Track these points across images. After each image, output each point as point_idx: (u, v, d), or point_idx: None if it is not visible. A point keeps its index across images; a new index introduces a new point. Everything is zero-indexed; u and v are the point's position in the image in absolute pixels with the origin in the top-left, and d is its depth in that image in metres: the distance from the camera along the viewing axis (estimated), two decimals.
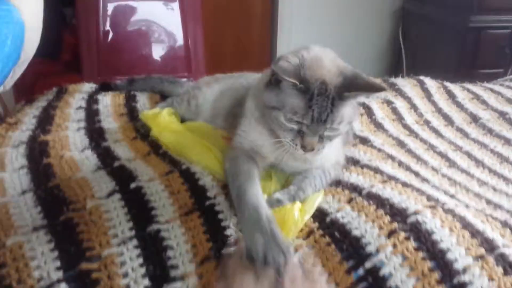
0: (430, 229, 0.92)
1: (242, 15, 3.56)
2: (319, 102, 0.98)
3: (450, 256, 0.87)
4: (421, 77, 2.03)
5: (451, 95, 1.92)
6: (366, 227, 0.94)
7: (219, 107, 1.41)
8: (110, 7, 2.58)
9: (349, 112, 1.03)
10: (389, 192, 1.06)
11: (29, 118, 1.49)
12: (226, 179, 1.07)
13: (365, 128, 1.55)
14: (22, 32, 1.40)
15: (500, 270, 0.85)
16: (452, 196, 1.17)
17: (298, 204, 1.01)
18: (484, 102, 1.88)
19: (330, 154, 1.16)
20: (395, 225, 0.94)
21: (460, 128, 1.68)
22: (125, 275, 0.87)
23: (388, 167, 1.24)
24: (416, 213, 0.96)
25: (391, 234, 0.92)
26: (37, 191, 1.05)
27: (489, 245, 0.90)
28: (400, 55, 3.69)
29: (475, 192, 1.24)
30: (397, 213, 0.97)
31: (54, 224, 0.94)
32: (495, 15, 2.94)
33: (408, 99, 1.83)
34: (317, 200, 1.05)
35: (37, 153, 1.24)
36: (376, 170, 1.20)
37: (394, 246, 0.89)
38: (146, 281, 0.87)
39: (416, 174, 1.27)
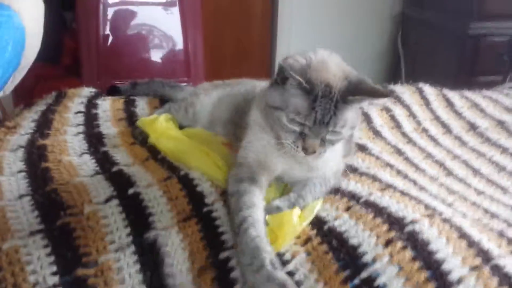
0: (427, 239, 0.92)
1: (242, 17, 3.57)
2: (323, 104, 0.98)
3: (445, 266, 0.87)
4: (420, 84, 2.03)
5: (449, 103, 1.93)
6: (364, 236, 0.95)
7: (218, 115, 1.41)
8: (110, 11, 2.58)
9: (352, 117, 1.03)
10: (387, 201, 1.06)
11: (27, 122, 1.49)
12: (228, 201, 1.05)
13: (364, 135, 1.55)
14: (22, 38, 1.40)
15: (495, 281, 0.85)
16: (449, 205, 1.17)
17: (297, 210, 1.01)
18: (482, 110, 1.89)
19: (332, 162, 1.16)
20: (392, 234, 0.94)
21: (458, 137, 1.68)
22: (122, 281, 0.87)
23: (386, 175, 1.24)
24: (413, 222, 0.96)
25: (388, 243, 0.92)
26: (35, 195, 1.05)
27: (485, 256, 0.90)
28: (399, 61, 3.69)
29: (472, 201, 1.24)
30: (395, 222, 0.97)
31: (51, 229, 0.94)
32: (495, 22, 2.94)
33: (406, 106, 1.83)
34: (316, 207, 1.05)
35: (35, 157, 1.24)
36: (374, 178, 1.20)
37: (391, 255, 0.89)
38: None
39: (414, 182, 1.27)
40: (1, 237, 0.92)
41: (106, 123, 1.53)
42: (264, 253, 0.89)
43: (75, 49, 2.69)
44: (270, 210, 1.03)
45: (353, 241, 0.94)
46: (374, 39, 3.78)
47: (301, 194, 1.09)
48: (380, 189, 1.13)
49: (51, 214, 0.98)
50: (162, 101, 1.76)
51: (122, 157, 1.26)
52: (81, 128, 1.47)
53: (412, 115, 1.78)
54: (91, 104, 1.67)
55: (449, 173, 1.40)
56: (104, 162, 1.22)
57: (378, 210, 1.02)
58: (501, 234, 1.00)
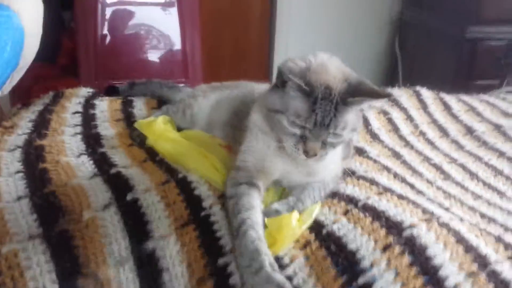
0: (424, 244, 0.92)
1: (240, 18, 3.58)
2: (323, 106, 0.98)
3: (442, 272, 0.87)
4: (417, 88, 2.04)
5: (446, 107, 1.93)
6: (362, 240, 0.94)
7: (216, 118, 1.41)
8: (108, 11, 2.58)
9: (352, 119, 1.03)
10: (385, 204, 1.06)
11: (25, 122, 1.49)
12: (226, 204, 1.05)
13: (361, 139, 1.55)
14: (21, 38, 1.40)
15: (491, 287, 0.85)
16: (447, 209, 1.17)
17: (296, 214, 1.01)
18: (479, 114, 1.90)
19: (331, 167, 1.16)
20: (390, 238, 0.94)
21: (455, 140, 1.69)
22: None
23: (384, 179, 1.24)
24: (411, 226, 0.96)
25: (386, 248, 0.92)
26: (33, 197, 1.04)
27: (482, 261, 0.90)
28: (396, 64, 3.70)
29: (470, 206, 1.25)
30: (393, 226, 0.97)
31: (50, 235, 0.93)
32: (492, 27, 2.95)
33: (404, 109, 1.84)
34: (314, 211, 1.05)
35: (33, 157, 1.23)
36: (372, 182, 1.20)
37: (389, 260, 0.89)
38: None
39: (412, 186, 1.27)
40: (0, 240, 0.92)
41: (103, 123, 1.53)
42: (263, 255, 0.89)
43: (72, 49, 2.69)
44: (268, 213, 1.03)
45: (351, 246, 0.94)
46: (372, 42, 3.79)
47: (300, 197, 1.09)
48: (377, 193, 1.13)
49: (49, 218, 0.97)
50: (159, 101, 1.76)
51: (120, 158, 1.26)
52: (78, 129, 1.47)
53: (409, 118, 1.79)
54: (88, 104, 1.67)
55: (446, 177, 1.40)
56: (102, 164, 1.22)
57: (376, 214, 1.02)
58: (498, 239, 1.00)
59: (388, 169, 1.34)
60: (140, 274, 0.89)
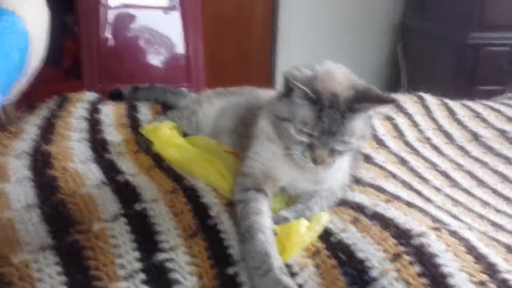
0: (434, 253, 0.92)
1: (242, 23, 3.58)
2: (330, 114, 0.98)
3: (451, 282, 0.86)
4: (422, 94, 2.04)
5: (451, 113, 1.94)
6: (371, 249, 0.94)
7: (222, 125, 1.41)
8: (111, 15, 2.58)
9: (360, 126, 1.03)
10: (393, 212, 1.06)
11: (31, 127, 1.48)
12: (234, 209, 1.05)
13: (367, 145, 1.55)
14: (27, 43, 1.39)
15: None
16: (455, 217, 1.17)
17: (305, 221, 1.01)
18: (484, 120, 1.90)
19: (339, 175, 1.16)
20: (399, 248, 0.93)
21: (460, 146, 1.69)
22: None
23: (391, 186, 1.24)
24: (420, 235, 0.96)
25: (395, 257, 0.91)
26: (42, 206, 1.04)
27: (492, 271, 0.90)
28: (399, 70, 3.70)
29: (478, 213, 1.25)
30: (402, 235, 0.97)
31: (61, 245, 0.93)
32: (495, 32, 2.96)
33: (408, 115, 1.84)
34: (323, 218, 1.05)
35: (40, 164, 1.23)
36: (379, 189, 1.21)
37: (398, 271, 0.88)
38: None
39: (419, 193, 1.27)
40: (10, 249, 0.91)
41: (109, 128, 1.53)
42: (272, 257, 0.89)
43: (75, 52, 2.69)
44: (277, 220, 1.03)
45: (360, 255, 0.93)
46: (375, 48, 3.80)
47: (308, 205, 1.09)
48: (385, 200, 1.13)
49: (60, 228, 0.97)
50: (164, 106, 1.76)
51: (127, 165, 1.26)
52: (84, 134, 1.47)
53: (414, 124, 1.79)
54: (93, 109, 1.67)
55: (454, 183, 1.41)
56: (110, 171, 1.22)
57: (384, 222, 1.02)
58: (508, 248, 1.00)
59: (395, 176, 1.34)
60: (152, 286, 0.88)
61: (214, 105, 1.49)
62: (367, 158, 1.44)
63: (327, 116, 0.98)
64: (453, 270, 0.88)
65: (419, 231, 0.97)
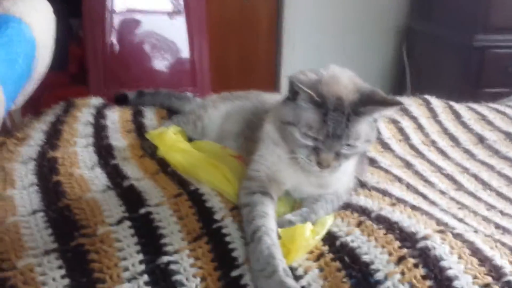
0: (439, 255, 0.92)
1: (248, 28, 3.59)
2: (335, 117, 0.98)
3: (456, 284, 0.86)
4: (427, 97, 2.04)
5: (457, 115, 1.93)
6: (376, 252, 0.94)
7: (228, 130, 1.42)
8: (117, 20, 2.59)
9: (365, 129, 1.03)
10: (398, 216, 1.05)
11: (37, 133, 1.48)
12: (240, 212, 1.06)
13: (372, 148, 1.55)
14: (33, 50, 1.40)
15: None
16: (460, 220, 1.16)
17: (309, 224, 1.01)
18: (490, 123, 1.89)
19: (344, 179, 1.17)
20: (404, 251, 0.93)
21: (466, 149, 1.69)
22: None
23: (396, 190, 1.24)
24: (425, 238, 0.96)
25: (400, 260, 0.91)
26: (48, 211, 1.05)
27: (497, 273, 0.89)
28: (404, 73, 3.70)
29: (483, 216, 1.24)
30: (407, 238, 0.97)
31: (65, 249, 0.93)
32: (500, 35, 2.95)
33: (414, 118, 1.84)
34: (327, 222, 1.05)
35: (47, 170, 1.24)
36: (385, 193, 1.20)
37: (402, 273, 0.88)
38: None
39: (424, 196, 1.27)
40: (15, 254, 0.91)
41: (115, 134, 1.53)
42: (277, 260, 0.90)
43: (81, 56, 2.70)
44: (282, 224, 1.03)
45: (365, 258, 0.93)
46: (380, 52, 3.79)
47: (313, 209, 1.10)
48: (390, 204, 1.13)
49: (65, 233, 0.97)
50: (169, 111, 1.77)
51: (132, 170, 1.26)
52: (90, 140, 1.47)
53: (420, 127, 1.79)
54: (99, 114, 1.67)
55: (459, 187, 1.40)
56: (115, 176, 1.22)
57: (389, 226, 1.02)
58: None
59: (400, 180, 1.34)
60: None
61: (219, 110, 1.50)
62: (373, 162, 1.44)
63: (332, 119, 0.99)
64: (458, 272, 0.88)
65: (424, 234, 0.97)
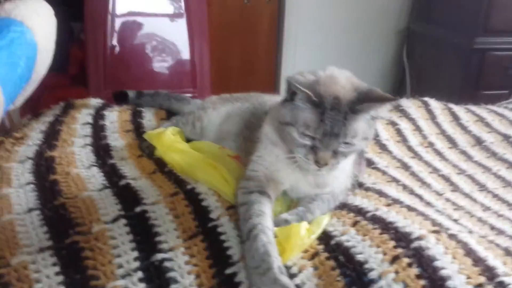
0: (433, 255, 0.92)
1: (248, 30, 3.59)
2: (332, 116, 0.99)
3: (450, 284, 0.86)
4: (426, 98, 2.04)
5: (455, 117, 1.93)
6: (371, 252, 0.94)
7: (227, 131, 1.42)
8: (118, 22, 2.60)
9: (363, 127, 1.04)
10: (394, 216, 1.06)
11: (35, 133, 1.49)
12: (237, 211, 1.07)
13: (370, 150, 1.55)
14: (35, 53, 1.41)
15: None
16: (455, 221, 1.17)
17: (305, 223, 1.02)
18: (488, 124, 1.89)
19: (342, 179, 1.17)
20: (399, 250, 0.93)
21: (463, 151, 1.69)
22: None
23: (393, 190, 1.24)
24: (420, 238, 0.96)
25: (394, 260, 0.91)
26: (44, 209, 1.05)
27: (490, 274, 0.90)
28: (404, 75, 3.70)
29: (479, 217, 1.24)
30: (402, 238, 0.97)
31: (60, 247, 0.94)
32: (500, 37, 2.96)
33: (412, 120, 1.84)
34: (323, 221, 1.05)
35: (44, 169, 1.24)
36: (381, 193, 1.21)
37: (397, 272, 0.89)
38: None
39: (420, 197, 1.27)
40: (10, 251, 0.92)
41: (113, 134, 1.54)
42: (272, 257, 0.90)
43: (82, 59, 2.71)
44: (278, 223, 1.04)
45: (360, 257, 0.94)
46: (380, 54, 3.80)
47: (309, 208, 1.10)
48: (386, 204, 1.13)
49: (60, 230, 0.98)
50: (169, 112, 1.77)
51: (129, 170, 1.27)
52: (88, 140, 1.47)
53: (417, 129, 1.79)
54: (98, 115, 1.68)
55: (455, 188, 1.41)
56: (112, 175, 1.23)
57: (384, 226, 1.02)
58: (507, 252, 1.00)
59: (396, 181, 1.34)
60: (149, 285, 0.89)
61: (219, 112, 1.50)
62: (370, 163, 1.44)
63: (329, 118, 0.99)
64: (452, 272, 0.88)
65: (418, 234, 0.98)
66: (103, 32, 2.57)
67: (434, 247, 0.94)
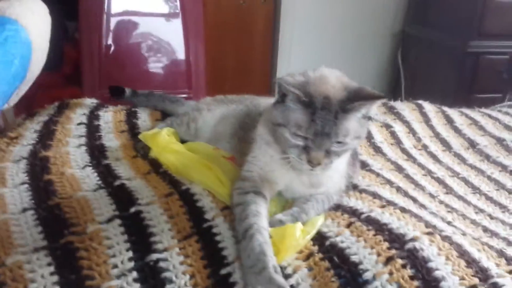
0: (427, 256, 0.92)
1: (244, 31, 3.60)
2: (323, 115, 1.00)
3: (444, 285, 0.87)
4: (420, 101, 2.05)
5: (449, 120, 1.94)
6: (365, 253, 0.95)
7: (221, 133, 1.43)
8: (113, 22, 2.59)
9: (354, 126, 1.04)
10: (388, 217, 1.06)
11: (30, 133, 1.49)
12: (233, 212, 1.07)
13: (364, 152, 1.56)
14: (29, 52, 1.40)
15: None
16: (449, 223, 1.17)
17: (299, 224, 1.02)
18: (481, 128, 1.91)
19: (336, 179, 1.18)
20: (393, 251, 0.94)
21: (457, 154, 1.70)
22: None
23: (387, 192, 1.25)
24: (414, 239, 0.97)
25: (388, 261, 0.92)
26: (38, 209, 1.05)
27: (484, 275, 0.91)
28: (399, 78, 3.72)
29: (472, 220, 1.25)
30: (396, 239, 0.98)
31: (55, 247, 0.93)
32: (494, 41, 2.98)
33: (406, 123, 1.85)
34: (318, 222, 1.06)
35: (38, 169, 1.24)
36: (375, 195, 1.21)
37: (390, 273, 0.89)
38: None
39: (414, 199, 1.28)
40: (4, 252, 0.91)
41: (108, 135, 1.54)
42: (268, 257, 0.91)
43: (76, 58, 2.70)
44: (273, 223, 1.04)
45: (354, 258, 0.94)
46: (375, 56, 3.81)
47: (304, 209, 1.10)
48: (380, 206, 1.14)
49: (54, 230, 0.97)
50: (163, 113, 1.77)
51: (124, 170, 1.26)
52: (83, 140, 1.47)
53: (412, 131, 1.80)
54: (93, 115, 1.68)
55: (449, 190, 1.41)
56: (106, 176, 1.22)
57: (379, 227, 1.03)
58: (500, 253, 1.01)
59: (391, 183, 1.35)
60: (144, 285, 0.89)
61: (214, 113, 1.51)
62: (364, 165, 1.45)
63: (320, 118, 1.00)
64: (445, 273, 0.89)
65: (412, 235, 0.98)
66: (98, 31, 2.56)
67: (428, 248, 0.95)
